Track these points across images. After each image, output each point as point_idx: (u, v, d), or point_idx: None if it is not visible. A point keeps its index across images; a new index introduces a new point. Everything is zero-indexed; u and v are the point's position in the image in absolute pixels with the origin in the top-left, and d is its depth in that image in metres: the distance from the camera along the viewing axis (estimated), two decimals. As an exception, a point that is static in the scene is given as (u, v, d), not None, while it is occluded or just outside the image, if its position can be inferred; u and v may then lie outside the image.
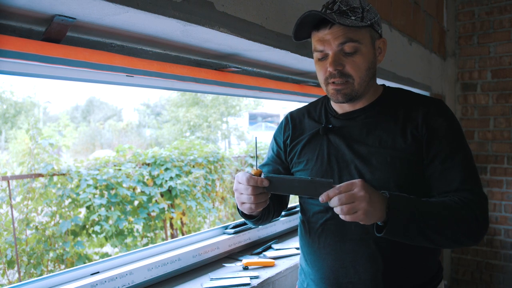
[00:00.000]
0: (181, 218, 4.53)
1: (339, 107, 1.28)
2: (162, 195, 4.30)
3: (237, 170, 5.35)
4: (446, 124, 1.16)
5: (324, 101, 1.36)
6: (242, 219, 2.05)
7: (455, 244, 1.10)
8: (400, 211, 1.01)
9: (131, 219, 4.00)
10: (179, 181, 4.32)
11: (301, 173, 1.31)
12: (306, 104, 1.45)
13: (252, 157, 5.57)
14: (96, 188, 3.76)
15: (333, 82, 1.17)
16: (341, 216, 0.98)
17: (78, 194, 3.64)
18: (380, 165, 1.16)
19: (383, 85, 1.32)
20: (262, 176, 1.06)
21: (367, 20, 1.14)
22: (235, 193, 1.12)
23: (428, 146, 1.15)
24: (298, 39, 1.22)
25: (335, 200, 0.97)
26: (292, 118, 1.40)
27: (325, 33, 1.14)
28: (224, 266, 1.74)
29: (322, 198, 0.99)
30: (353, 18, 1.12)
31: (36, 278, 1.31)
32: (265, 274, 1.66)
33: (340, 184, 0.99)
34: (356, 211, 0.96)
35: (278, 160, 1.40)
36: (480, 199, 1.11)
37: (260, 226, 2.05)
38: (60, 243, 3.49)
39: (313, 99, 2.28)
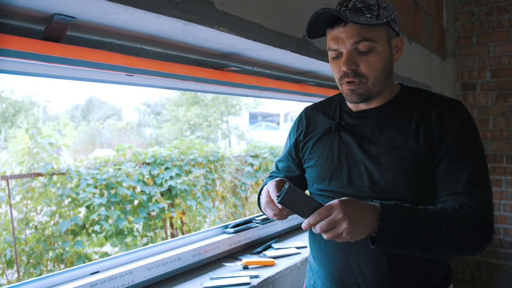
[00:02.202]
0: (181, 218, 4.53)
1: (353, 105, 1.26)
2: (162, 194, 4.30)
3: (237, 170, 5.35)
4: (459, 125, 1.12)
5: (340, 98, 1.34)
6: (243, 219, 2.06)
7: (456, 253, 1.07)
8: (391, 224, 0.99)
9: (131, 218, 3.99)
10: (179, 181, 4.32)
11: (312, 169, 1.31)
12: (322, 99, 1.45)
13: (252, 156, 5.57)
14: (96, 187, 3.75)
15: (348, 82, 1.15)
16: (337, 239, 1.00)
17: (77, 194, 3.64)
18: (390, 166, 1.14)
19: (401, 84, 1.29)
20: (286, 185, 1.04)
21: (383, 18, 1.10)
22: (263, 195, 1.16)
23: (437, 147, 1.12)
24: (313, 36, 1.20)
25: (317, 229, 0.99)
26: (306, 114, 1.40)
27: (339, 31, 1.11)
28: (224, 265, 1.74)
29: (304, 225, 1.01)
30: (368, 15, 1.08)
31: (35, 278, 1.31)
32: (265, 273, 1.66)
33: (319, 209, 0.99)
34: (340, 234, 0.97)
35: (290, 157, 1.42)
36: (482, 205, 1.06)
37: (261, 226, 2.06)
38: (60, 243, 3.49)
39: (313, 99, 2.29)
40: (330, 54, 1.17)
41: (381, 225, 0.99)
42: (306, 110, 1.42)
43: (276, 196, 1.05)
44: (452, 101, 1.19)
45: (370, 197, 1.14)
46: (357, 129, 1.23)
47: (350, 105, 1.28)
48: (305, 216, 1.02)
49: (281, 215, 1.14)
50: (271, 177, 1.47)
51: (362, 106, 1.24)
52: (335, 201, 0.99)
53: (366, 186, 1.16)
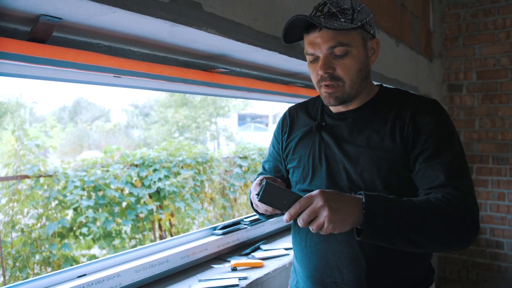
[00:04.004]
0: (169, 219, 4.51)
1: (333, 107, 1.28)
2: (150, 196, 4.28)
3: (226, 171, 5.34)
4: (434, 122, 1.14)
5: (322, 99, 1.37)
6: (231, 220, 2.06)
7: (443, 246, 1.07)
8: (377, 214, 0.98)
9: (119, 220, 3.96)
10: (167, 182, 4.30)
11: (294, 170, 1.33)
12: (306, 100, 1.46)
13: (241, 158, 5.56)
14: (83, 189, 3.72)
15: (325, 85, 1.17)
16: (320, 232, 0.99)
17: (65, 196, 3.60)
18: (367, 166, 1.16)
19: (380, 85, 1.31)
20: (264, 182, 1.05)
21: (358, 22, 1.12)
22: (252, 194, 1.20)
23: (413, 144, 1.13)
24: (290, 42, 1.22)
25: (300, 221, 0.99)
26: (290, 114, 1.42)
27: (315, 36, 1.13)
28: (213, 267, 1.74)
29: (285, 217, 1.01)
30: (342, 20, 1.10)
31: (21, 281, 1.30)
32: (253, 275, 1.66)
33: (300, 200, 0.99)
34: (322, 224, 0.97)
35: (276, 157, 1.44)
36: (466, 196, 1.06)
37: (249, 227, 2.06)
38: (47, 246, 3.44)
39: (301, 100, 2.29)
40: (308, 58, 1.20)
41: (366, 215, 0.98)
42: (290, 110, 1.44)
43: (256, 194, 1.06)
44: (427, 100, 1.21)
45: None
46: (336, 129, 1.25)
47: (330, 107, 1.30)
48: (287, 210, 1.02)
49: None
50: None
51: (341, 108, 1.26)
52: (316, 191, 0.99)
53: (345, 186, 1.18)
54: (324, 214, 0.96)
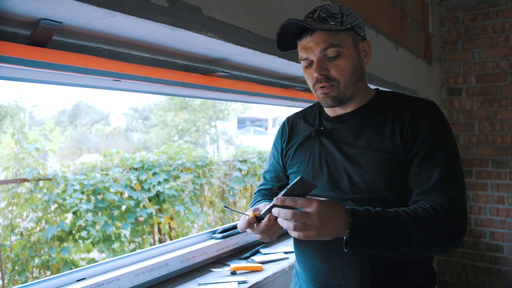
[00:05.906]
0: (169, 223, 4.50)
1: (331, 111, 1.31)
2: (150, 199, 4.28)
3: (226, 174, 5.34)
4: (431, 124, 1.16)
5: (319, 105, 1.39)
6: (231, 224, 2.06)
7: (427, 252, 1.10)
8: (361, 228, 1.01)
9: (119, 224, 3.96)
10: (167, 186, 4.30)
11: (295, 175, 1.33)
12: (303, 108, 1.49)
13: (240, 161, 5.57)
14: (83, 193, 3.72)
15: (321, 87, 1.19)
16: (292, 233, 1.01)
17: (64, 199, 3.60)
18: (369, 167, 1.17)
19: (377, 88, 1.33)
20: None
21: (347, 24, 1.16)
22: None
23: (411, 146, 1.15)
24: (284, 49, 1.25)
25: (288, 214, 1.00)
26: (289, 123, 1.44)
27: (307, 41, 1.17)
28: (212, 271, 1.73)
29: (279, 197, 1.02)
30: (332, 23, 1.15)
31: (20, 285, 1.29)
32: (253, 278, 1.66)
33: (298, 198, 1.00)
34: (308, 230, 0.98)
35: (278, 166, 1.45)
36: (454, 203, 1.08)
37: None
38: (46, 249, 3.44)
39: (301, 104, 2.30)
40: (302, 63, 1.23)
41: (350, 231, 1.00)
42: (288, 119, 1.47)
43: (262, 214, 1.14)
44: (425, 102, 1.23)
45: (351, 199, 1.17)
46: (335, 133, 1.27)
47: (327, 111, 1.32)
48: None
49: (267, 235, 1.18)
50: (259, 191, 1.49)
51: (339, 111, 1.28)
52: (314, 204, 0.99)
53: (347, 188, 1.19)
54: (310, 233, 0.98)
